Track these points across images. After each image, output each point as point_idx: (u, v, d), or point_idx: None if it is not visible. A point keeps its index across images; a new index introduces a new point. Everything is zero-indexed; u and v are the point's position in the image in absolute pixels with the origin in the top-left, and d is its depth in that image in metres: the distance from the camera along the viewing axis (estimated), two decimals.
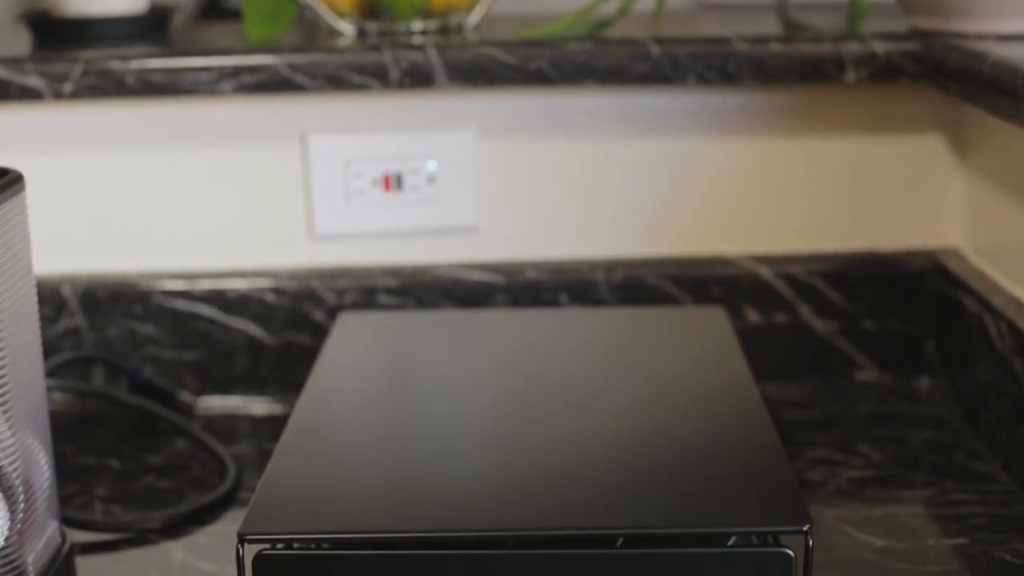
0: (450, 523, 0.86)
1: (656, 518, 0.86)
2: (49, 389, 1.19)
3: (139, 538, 1.08)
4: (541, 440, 0.98)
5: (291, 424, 1.00)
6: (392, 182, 1.32)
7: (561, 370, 1.11)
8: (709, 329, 1.19)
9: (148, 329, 1.32)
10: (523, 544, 0.85)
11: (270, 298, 1.32)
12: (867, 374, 1.33)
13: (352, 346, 1.17)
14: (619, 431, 0.99)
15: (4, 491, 0.89)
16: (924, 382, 1.32)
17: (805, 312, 1.32)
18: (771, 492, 0.89)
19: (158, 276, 1.33)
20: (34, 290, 0.95)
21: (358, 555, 0.85)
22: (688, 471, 0.92)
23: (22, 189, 0.93)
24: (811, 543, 0.83)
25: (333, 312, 1.31)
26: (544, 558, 0.84)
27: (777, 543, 0.85)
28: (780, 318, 1.32)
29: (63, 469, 1.13)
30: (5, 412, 0.88)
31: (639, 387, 1.08)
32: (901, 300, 1.32)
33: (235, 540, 0.84)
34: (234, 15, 1.45)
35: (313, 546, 0.86)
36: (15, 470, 0.90)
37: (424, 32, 1.34)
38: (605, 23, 1.38)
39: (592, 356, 1.15)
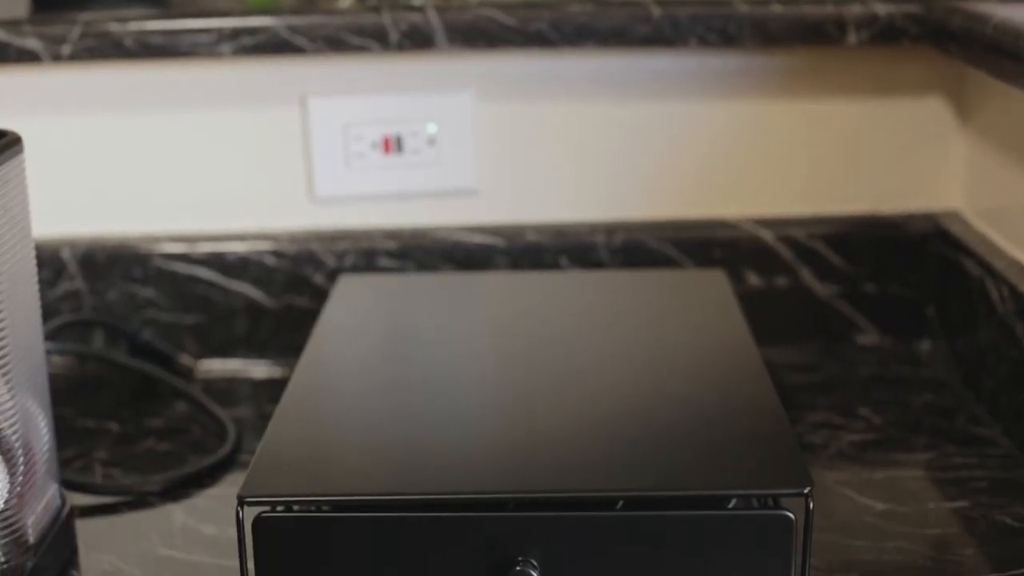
0: (450, 485, 0.86)
1: (657, 481, 0.86)
2: (48, 352, 1.18)
3: (139, 501, 1.08)
4: (541, 403, 0.97)
5: (291, 387, 1.00)
6: (392, 145, 1.31)
7: (562, 333, 1.11)
8: (710, 292, 1.18)
9: (147, 292, 1.32)
10: (523, 506, 0.85)
11: (270, 261, 1.31)
12: (868, 337, 1.33)
13: (352, 309, 1.17)
14: (620, 394, 0.99)
15: (3, 454, 0.89)
16: (925, 346, 1.32)
17: (806, 275, 1.32)
18: (772, 455, 0.89)
19: (157, 239, 1.32)
20: (33, 253, 0.94)
21: (358, 517, 0.85)
22: (689, 434, 0.92)
23: (20, 151, 0.92)
24: (812, 506, 0.83)
25: (333, 275, 1.31)
26: (544, 520, 0.84)
27: (778, 506, 0.85)
28: (781, 281, 1.32)
29: (63, 432, 1.13)
30: (4, 375, 0.88)
31: (640, 350, 1.07)
32: (902, 263, 1.32)
33: (235, 503, 0.84)
34: None
35: (313, 508, 0.86)
36: (14, 433, 0.90)
37: None
38: None
39: (593, 319, 1.14)
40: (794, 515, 0.83)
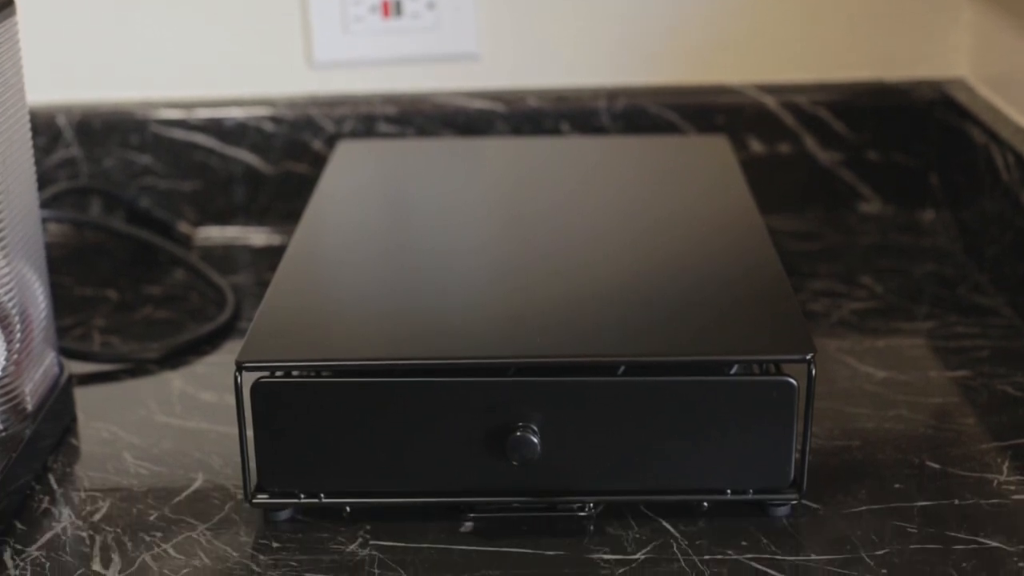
0: (451, 351, 0.85)
1: (658, 346, 0.85)
2: (45, 220, 1.18)
3: (138, 368, 1.08)
4: (542, 269, 0.97)
5: (289, 253, 0.99)
6: (391, 8, 1.30)
7: (563, 199, 1.10)
8: (712, 158, 1.17)
9: (145, 159, 1.31)
10: (524, 371, 0.84)
11: (268, 127, 1.30)
12: (871, 206, 1.32)
13: (351, 175, 1.16)
14: (621, 260, 0.99)
15: (0, 321, 0.89)
16: (928, 214, 1.31)
17: (809, 142, 1.31)
18: (774, 321, 0.88)
19: (154, 105, 1.31)
20: (27, 118, 0.93)
21: (357, 383, 0.84)
22: (691, 300, 0.92)
23: (13, 13, 0.91)
24: (814, 372, 0.83)
25: (332, 140, 1.30)
26: (545, 385, 0.84)
27: (780, 372, 0.85)
28: (784, 148, 1.31)
29: (61, 301, 1.13)
30: (0, 242, 0.87)
31: (642, 216, 1.07)
32: (906, 131, 1.31)
33: (234, 368, 0.84)
34: None
35: (312, 374, 0.86)
36: (11, 300, 0.89)
37: None
38: None
39: (595, 185, 1.14)
40: (796, 381, 0.83)
